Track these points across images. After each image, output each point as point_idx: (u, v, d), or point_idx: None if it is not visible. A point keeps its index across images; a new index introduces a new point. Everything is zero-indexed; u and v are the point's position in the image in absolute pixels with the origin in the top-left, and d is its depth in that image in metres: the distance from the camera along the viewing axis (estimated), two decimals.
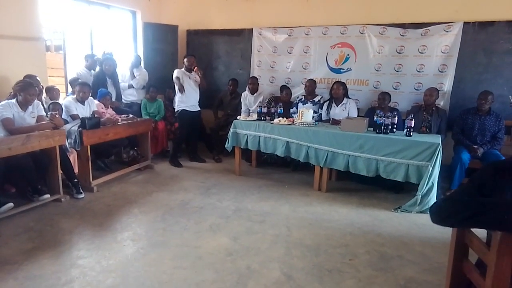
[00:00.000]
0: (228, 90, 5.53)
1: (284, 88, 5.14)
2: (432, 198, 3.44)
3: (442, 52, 4.45)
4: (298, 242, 2.81)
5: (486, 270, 1.24)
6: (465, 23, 4.29)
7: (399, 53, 4.68)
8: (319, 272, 2.38)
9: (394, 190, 4.04)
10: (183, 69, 4.84)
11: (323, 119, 4.69)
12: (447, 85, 4.47)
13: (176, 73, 4.80)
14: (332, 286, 2.23)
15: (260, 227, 3.07)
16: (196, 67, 4.81)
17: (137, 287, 2.16)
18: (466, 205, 1.14)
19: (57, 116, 3.55)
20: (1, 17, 3.87)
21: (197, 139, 5.24)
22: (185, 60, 4.84)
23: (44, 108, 3.73)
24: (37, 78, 3.87)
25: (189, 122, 4.92)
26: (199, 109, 5.06)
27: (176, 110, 5.00)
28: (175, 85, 4.84)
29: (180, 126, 5.09)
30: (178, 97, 4.90)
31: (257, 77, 5.46)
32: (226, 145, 4.57)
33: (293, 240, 2.84)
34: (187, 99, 4.83)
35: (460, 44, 4.34)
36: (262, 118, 4.47)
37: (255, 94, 5.31)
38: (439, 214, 1.25)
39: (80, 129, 3.62)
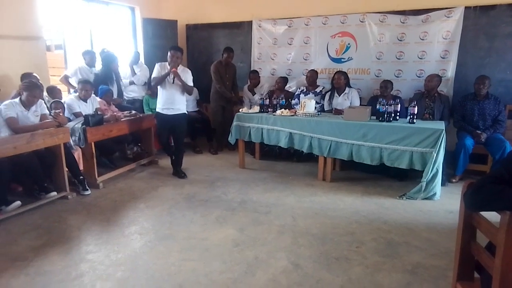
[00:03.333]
0: (222, 60, 5.16)
1: (278, 78, 5.17)
2: (437, 184, 3.44)
3: (444, 38, 4.42)
4: (304, 231, 2.82)
5: (495, 251, 1.24)
6: (466, 7, 4.26)
7: (400, 40, 4.65)
8: (326, 260, 2.40)
9: (399, 178, 4.05)
10: (167, 62, 3.94)
11: (325, 109, 4.68)
12: (450, 71, 4.44)
13: (156, 67, 3.99)
14: (339, 273, 2.25)
15: (266, 218, 3.08)
16: (174, 69, 3.81)
17: (147, 279, 2.18)
18: (501, 195, 1.15)
19: (60, 114, 3.57)
20: (2, 17, 3.88)
21: (180, 150, 4.28)
22: (169, 54, 3.87)
23: (46, 107, 3.75)
24: (35, 75, 3.88)
25: (164, 127, 4.12)
26: (182, 111, 4.08)
27: None
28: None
29: (156, 132, 4.37)
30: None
31: (258, 69, 5.44)
32: (229, 138, 4.58)
33: (299, 230, 2.85)
34: (161, 99, 4.02)
35: (462, 29, 4.31)
36: (265, 110, 4.47)
37: (256, 87, 5.32)
38: (473, 204, 1.27)
39: (84, 126, 3.64)
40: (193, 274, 2.23)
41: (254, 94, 5.38)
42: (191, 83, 4.03)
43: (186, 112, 4.20)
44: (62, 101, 4.09)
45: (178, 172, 4.21)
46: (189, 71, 4.06)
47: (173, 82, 3.90)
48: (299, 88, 5.02)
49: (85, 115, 3.75)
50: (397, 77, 4.73)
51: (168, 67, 3.88)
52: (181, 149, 4.27)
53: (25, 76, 3.84)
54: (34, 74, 3.92)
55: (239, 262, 2.37)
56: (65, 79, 4.77)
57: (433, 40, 4.48)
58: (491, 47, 4.23)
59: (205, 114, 5.67)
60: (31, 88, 3.30)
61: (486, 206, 1.22)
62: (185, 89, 4.00)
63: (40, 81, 3.68)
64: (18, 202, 3.11)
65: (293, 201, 3.46)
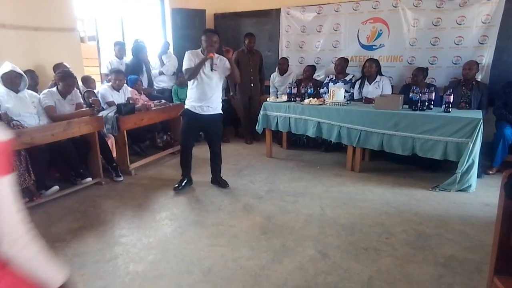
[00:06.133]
0: (245, 47, 5.03)
1: (306, 67, 5.08)
2: (473, 176, 3.30)
3: (483, 23, 4.19)
4: (332, 221, 2.80)
5: None
6: None
7: (436, 25, 4.44)
8: (355, 250, 2.37)
9: (431, 169, 3.91)
10: (199, 50, 3.28)
11: (355, 98, 4.58)
12: (487, 57, 4.21)
13: (187, 56, 3.24)
14: (368, 264, 2.22)
15: (293, 207, 3.08)
16: (211, 54, 3.11)
17: (177, 262, 2.24)
18: None
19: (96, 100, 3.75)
20: (38, 10, 4.03)
21: (218, 155, 3.58)
22: (203, 38, 3.19)
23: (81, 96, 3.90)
24: (66, 65, 4.02)
25: (194, 128, 3.43)
26: (218, 112, 3.40)
27: None
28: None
29: (180, 132, 3.53)
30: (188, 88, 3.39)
31: (287, 58, 5.38)
32: (256, 127, 4.58)
33: (327, 220, 2.83)
34: (193, 94, 3.30)
35: (503, 12, 4.05)
36: (292, 99, 4.43)
37: (284, 75, 5.25)
38: None
39: (117, 115, 3.75)
40: (221, 259, 2.27)
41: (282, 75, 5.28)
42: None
43: (222, 112, 3.49)
44: (96, 90, 4.23)
45: (219, 182, 3.57)
46: (227, 60, 3.27)
47: (212, 70, 3.19)
48: (328, 77, 4.93)
49: (118, 104, 3.86)
50: (432, 64, 4.53)
51: (202, 55, 3.19)
52: (219, 154, 3.58)
53: (57, 67, 4.00)
54: (65, 64, 4.06)
55: (266, 249, 2.39)
56: (105, 76, 4.87)
57: (471, 24, 4.25)
58: None
59: (232, 104, 5.69)
60: (65, 78, 3.44)
61: None
62: (234, 76, 3.33)
63: (71, 71, 3.81)
64: (56, 187, 3.27)
65: (320, 191, 3.43)
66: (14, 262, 0.79)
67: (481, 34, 4.21)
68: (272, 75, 5.41)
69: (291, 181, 3.71)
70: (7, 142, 0.78)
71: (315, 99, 4.22)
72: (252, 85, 5.14)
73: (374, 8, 4.80)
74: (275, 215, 2.90)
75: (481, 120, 3.21)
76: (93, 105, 3.78)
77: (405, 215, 2.90)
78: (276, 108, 4.37)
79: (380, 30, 4.82)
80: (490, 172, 3.81)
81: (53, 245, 2.47)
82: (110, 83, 4.24)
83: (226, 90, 5.71)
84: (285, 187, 3.55)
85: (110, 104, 4.07)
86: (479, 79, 4.19)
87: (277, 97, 4.80)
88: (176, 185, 3.48)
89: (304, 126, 4.22)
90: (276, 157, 4.58)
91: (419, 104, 3.60)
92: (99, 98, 4.09)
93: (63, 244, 2.48)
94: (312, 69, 5.07)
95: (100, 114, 3.77)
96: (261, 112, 4.48)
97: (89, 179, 3.54)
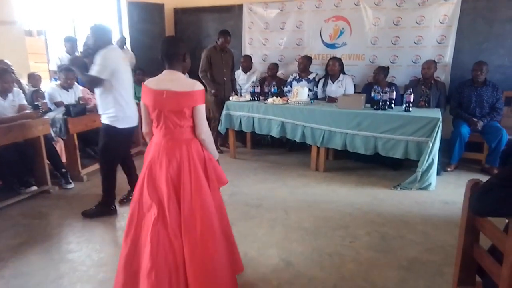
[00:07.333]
0: (217, 45, 4.61)
1: (270, 64, 4.98)
2: (433, 175, 3.36)
3: (441, 23, 4.27)
4: (297, 225, 2.72)
5: (500, 257, 1.14)
6: None
7: (396, 25, 4.49)
8: (319, 257, 2.30)
9: (393, 167, 3.96)
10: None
11: (318, 97, 4.54)
12: (447, 56, 4.31)
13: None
14: (332, 271, 2.15)
15: (257, 211, 2.97)
16: None
17: None
18: (509, 203, 1.03)
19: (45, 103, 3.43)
20: None
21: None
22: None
23: (25, 96, 3.56)
24: (6, 61, 3.67)
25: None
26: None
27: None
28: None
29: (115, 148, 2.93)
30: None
31: (250, 55, 5.24)
32: (219, 127, 4.43)
33: (291, 224, 2.75)
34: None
35: (460, 13, 4.15)
36: (256, 98, 4.32)
37: (248, 73, 5.12)
38: (480, 209, 1.15)
39: (65, 117, 3.46)
40: None
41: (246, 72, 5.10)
42: None
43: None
44: (43, 90, 3.90)
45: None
46: None
47: None
48: (292, 75, 4.86)
49: (66, 105, 3.57)
50: (393, 63, 4.58)
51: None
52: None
53: None
54: (6, 61, 3.70)
55: None
56: (55, 74, 4.51)
57: (429, 24, 4.33)
58: (490, 32, 4.09)
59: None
60: (0, 75, 3.11)
61: (494, 212, 1.10)
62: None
63: (12, 67, 3.47)
64: None
65: (285, 193, 3.35)
66: None
67: (439, 34, 4.30)
68: (236, 73, 5.24)
69: (256, 183, 3.61)
70: None
71: (279, 98, 4.14)
72: (225, 85, 4.77)
73: (336, 6, 4.78)
74: (238, 222, 2.78)
75: (440, 120, 3.26)
76: (39, 106, 3.47)
77: (368, 216, 2.88)
78: (239, 107, 4.24)
79: (342, 28, 4.81)
80: (448, 169, 3.90)
81: None
82: (59, 82, 3.92)
83: None
84: (249, 190, 3.44)
85: (58, 104, 3.76)
86: (440, 78, 4.28)
87: (241, 95, 4.67)
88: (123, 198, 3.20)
89: (268, 126, 4.12)
90: (240, 158, 4.46)
91: (380, 103, 3.61)
92: (47, 98, 3.77)
93: (0, 264, 2.22)
94: (276, 67, 4.98)
95: (47, 116, 3.45)
96: (224, 112, 4.34)
97: (35, 187, 3.24)
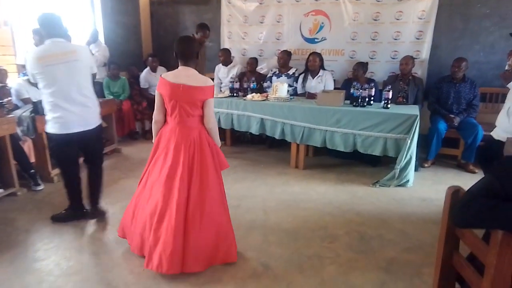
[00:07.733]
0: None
1: (249, 59, 4.89)
2: (411, 171, 3.38)
3: (419, 18, 4.28)
4: (276, 227, 2.68)
5: (480, 266, 1.12)
6: None
7: (375, 20, 4.47)
8: (298, 260, 2.26)
9: (372, 163, 3.97)
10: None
11: (298, 92, 4.49)
12: (424, 52, 4.33)
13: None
14: (312, 274, 2.12)
15: (235, 212, 2.88)
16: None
17: None
18: (495, 212, 1.00)
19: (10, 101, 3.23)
20: None
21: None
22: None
23: None
24: None
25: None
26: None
27: None
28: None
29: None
30: None
31: (228, 49, 5.13)
32: None
33: (271, 225, 2.70)
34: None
35: (437, 9, 4.17)
36: (235, 94, 4.23)
37: (229, 66, 5.00)
38: (462, 221, 1.11)
39: (33, 114, 3.27)
40: (154, 281, 2.03)
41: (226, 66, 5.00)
42: None
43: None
44: (9, 86, 3.68)
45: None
46: None
47: None
48: (271, 70, 4.79)
49: (34, 101, 3.37)
50: (372, 58, 4.57)
51: None
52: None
53: None
54: None
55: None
56: (22, 68, 4.24)
57: (408, 20, 4.33)
58: (466, 28, 4.13)
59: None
60: None
61: (476, 223, 1.08)
62: None
63: None
64: None
65: (264, 192, 3.30)
66: None
67: (417, 30, 4.31)
68: (216, 67, 5.13)
69: (235, 182, 3.54)
70: None
71: (258, 94, 4.06)
72: None
73: (316, 0, 4.71)
74: None
75: (418, 117, 3.27)
76: (5, 104, 3.26)
77: (347, 215, 2.87)
78: (218, 104, 4.14)
79: (322, 23, 4.76)
80: (426, 165, 3.95)
81: None
82: (27, 77, 3.70)
83: None
84: (228, 189, 3.26)
85: (25, 101, 3.56)
86: (418, 74, 4.30)
87: (220, 91, 4.57)
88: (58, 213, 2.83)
89: (247, 123, 4.05)
90: None
91: (359, 100, 3.59)
92: (13, 95, 3.56)
93: None
94: (255, 61, 4.90)
95: (13, 114, 3.26)
96: None
97: (0, 190, 3.06)
